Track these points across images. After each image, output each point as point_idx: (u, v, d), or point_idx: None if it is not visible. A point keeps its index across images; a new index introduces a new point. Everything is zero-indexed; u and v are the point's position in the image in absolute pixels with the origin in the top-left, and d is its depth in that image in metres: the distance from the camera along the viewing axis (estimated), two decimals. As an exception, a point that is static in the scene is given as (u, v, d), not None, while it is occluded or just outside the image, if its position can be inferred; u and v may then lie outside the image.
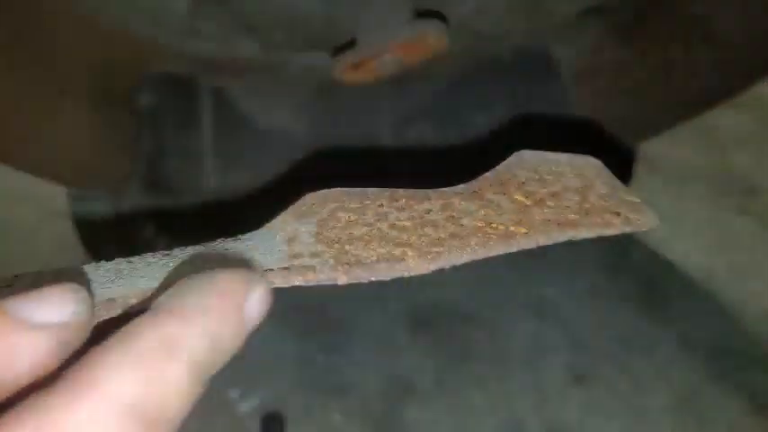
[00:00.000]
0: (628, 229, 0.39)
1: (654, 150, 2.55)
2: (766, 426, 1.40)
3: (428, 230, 0.36)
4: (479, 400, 1.45)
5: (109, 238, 1.73)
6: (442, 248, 0.35)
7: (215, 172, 1.59)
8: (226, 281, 0.26)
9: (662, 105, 1.47)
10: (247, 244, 0.41)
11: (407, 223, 0.37)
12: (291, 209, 0.42)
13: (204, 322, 0.24)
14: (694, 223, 2.16)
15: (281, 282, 0.34)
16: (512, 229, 0.37)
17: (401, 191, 0.40)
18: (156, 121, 1.52)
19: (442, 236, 0.36)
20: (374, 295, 1.82)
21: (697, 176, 2.52)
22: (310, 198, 0.41)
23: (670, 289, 1.81)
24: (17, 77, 1.15)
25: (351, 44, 1.18)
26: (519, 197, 0.39)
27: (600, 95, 1.61)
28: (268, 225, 0.43)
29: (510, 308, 1.75)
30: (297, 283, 0.34)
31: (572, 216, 0.38)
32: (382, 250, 0.35)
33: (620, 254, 1.94)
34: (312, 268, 0.35)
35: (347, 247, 0.36)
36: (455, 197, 0.40)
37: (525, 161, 0.43)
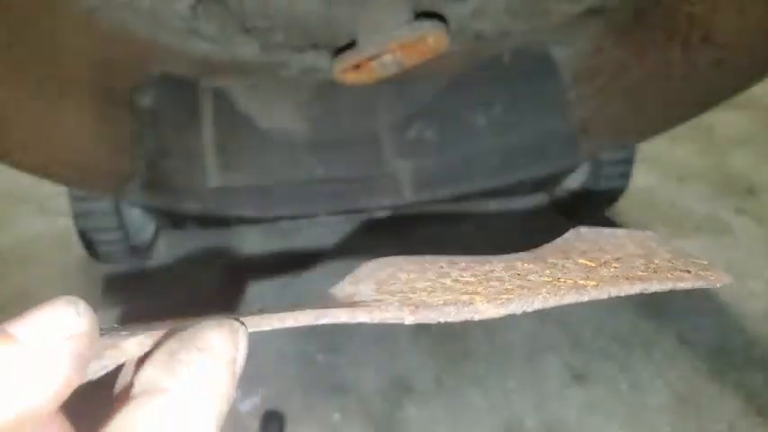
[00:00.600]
0: (701, 284, 0.37)
1: (653, 150, 2.56)
2: (765, 425, 1.40)
3: (494, 284, 0.34)
4: (479, 399, 1.45)
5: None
6: (511, 296, 0.32)
7: (215, 171, 1.59)
8: (215, 339, 0.24)
9: (661, 106, 1.47)
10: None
11: (471, 279, 0.35)
12: (348, 278, 0.39)
13: (205, 394, 0.23)
14: (693, 223, 2.17)
15: (346, 317, 0.31)
16: (581, 282, 0.35)
17: (460, 257, 0.39)
18: (157, 121, 1.52)
19: (509, 287, 0.34)
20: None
21: (696, 176, 2.53)
22: (365, 266, 0.39)
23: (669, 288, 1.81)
24: (18, 78, 1.15)
25: (351, 45, 1.18)
26: (583, 261, 0.38)
27: (599, 95, 1.61)
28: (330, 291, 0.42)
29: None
30: (361, 320, 0.31)
31: (641, 273, 0.36)
32: (449, 297, 0.33)
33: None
34: (378, 306, 0.32)
35: (411, 295, 0.33)
36: (517, 261, 0.38)
37: (583, 236, 0.44)
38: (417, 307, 0.31)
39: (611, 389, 1.48)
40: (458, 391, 1.47)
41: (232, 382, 0.24)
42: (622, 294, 0.35)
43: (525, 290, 0.33)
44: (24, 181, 2.28)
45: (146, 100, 1.50)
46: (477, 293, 0.33)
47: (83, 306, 0.23)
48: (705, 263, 0.39)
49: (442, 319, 0.31)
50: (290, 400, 1.45)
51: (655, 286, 0.35)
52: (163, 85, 1.52)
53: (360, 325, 1.71)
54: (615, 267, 0.37)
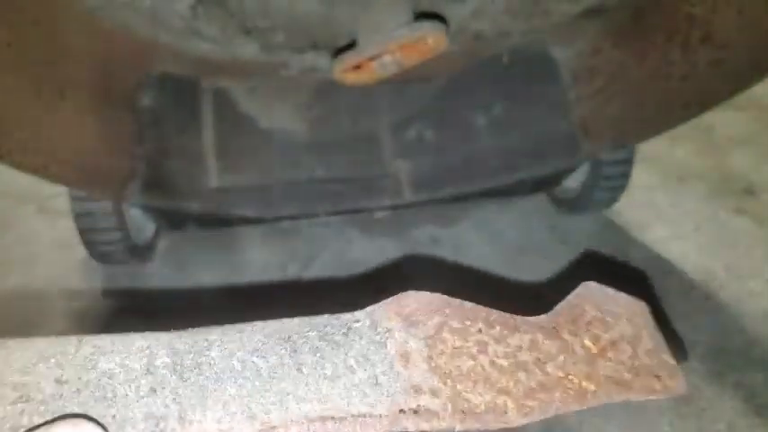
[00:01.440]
0: (664, 395, 0.50)
1: (653, 150, 2.56)
2: (764, 425, 1.40)
3: (521, 375, 0.46)
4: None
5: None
6: (534, 402, 0.44)
7: (216, 172, 1.59)
8: None
9: (661, 106, 1.47)
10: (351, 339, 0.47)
11: (504, 363, 0.46)
12: (392, 303, 0.48)
13: None
14: (693, 223, 2.18)
15: (398, 428, 0.41)
16: (584, 384, 0.46)
17: (494, 314, 0.50)
18: (158, 122, 1.52)
19: (533, 385, 0.45)
20: (374, 294, 1.82)
21: (695, 176, 2.53)
22: (413, 300, 0.48)
23: (668, 288, 1.82)
24: (19, 78, 1.15)
25: (351, 45, 1.19)
26: (588, 343, 0.50)
27: (599, 96, 1.61)
28: (367, 310, 0.50)
29: (508, 307, 1.73)
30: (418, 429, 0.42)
31: (626, 375, 0.48)
32: (488, 397, 0.43)
33: (620, 254, 1.95)
34: (436, 415, 0.42)
35: (458, 387, 0.44)
36: (539, 333, 0.49)
37: (591, 296, 0.55)
38: (465, 414, 0.41)
39: (610, 389, 1.48)
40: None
41: None
42: (611, 401, 0.47)
43: (544, 392, 0.45)
44: (24, 181, 2.28)
45: (146, 100, 1.50)
46: (507, 393, 0.44)
47: None
48: (673, 363, 0.51)
49: (482, 428, 0.41)
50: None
51: (633, 396, 0.48)
52: (163, 86, 1.52)
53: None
54: (609, 360, 0.49)
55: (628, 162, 1.88)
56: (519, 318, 0.50)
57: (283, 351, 0.44)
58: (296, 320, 0.48)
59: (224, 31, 1.36)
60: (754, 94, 1.57)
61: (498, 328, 0.48)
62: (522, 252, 1.93)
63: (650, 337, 0.52)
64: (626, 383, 0.48)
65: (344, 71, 1.18)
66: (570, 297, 0.54)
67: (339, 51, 1.26)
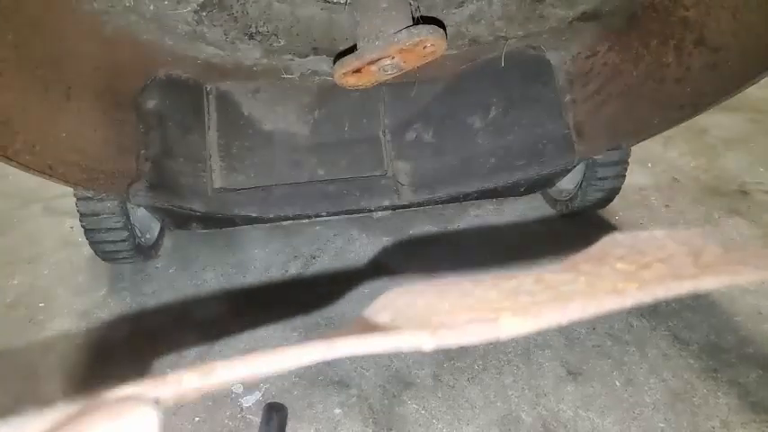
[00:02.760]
0: (762, 276, 0.31)
1: (647, 152, 2.58)
2: (758, 422, 1.41)
3: (523, 298, 0.30)
4: (476, 394, 1.47)
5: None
6: (542, 309, 0.28)
7: (219, 173, 1.61)
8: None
9: (655, 108, 1.48)
10: None
11: (497, 295, 0.31)
12: (364, 312, 0.34)
13: None
14: (686, 224, 2.19)
15: (361, 348, 0.28)
16: (620, 285, 0.30)
17: (485, 275, 0.34)
18: (162, 124, 1.54)
19: (541, 299, 0.29)
20: (374, 293, 1.84)
21: (689, 177, 2.55)
22: (382, 298, 0.34)
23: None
24: (25, 80, 1.16)
25: (351, 49, 1.21)
26: (621, 266, 0.33)
27: (594, 98, 1.63)
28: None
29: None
30: (377, 350, 0.28)
31: (690, 270, 0.31)
32: (472, 315, 0.28)
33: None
34: (396, 329, 0.29)
35: (433, 318, 0.30)
36: (546, 273, 0.34)
37: (619, 242, 0.38)
38: (437, 329, 0.27)
39: (605, 386, 1.50)
40: (456, 387, 1.49)
41: None
42: (670, 296, 0.30)
43: (558, 301, 0.29)
44: (30, 182, 2.31)
45: (151, 103, 1.52)
46: (502, 309, 0.28)
47: None
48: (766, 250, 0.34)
49: (464, 341, 0.27)
50: (292, 396, 1.47)
51: (708, 283, 0.30)
52: (167, 89, 1.54)
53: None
54: (659, 269, 0.32)
55: (623, 163, 1.90)
56: (518, 272, 0.35)
57: None
58: None
59: (227, 35, 1.38)
60: (747, 96, 1.59)
61: (489, 281, 0.34)
62: (518, 252, 1.95)
63: (718, 247, 0.36)
64: (690, 275, 0.31)
65: (345, 74, 1.20)
66: (590, 249, 0.38)
67: (340, 55, 1.28)
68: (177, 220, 1.72)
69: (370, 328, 0.31)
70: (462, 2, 1.36)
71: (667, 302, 1.76)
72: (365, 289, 1.82)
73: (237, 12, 1.31)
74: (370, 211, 1.71)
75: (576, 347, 1.61)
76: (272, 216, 1.63)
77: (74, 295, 1.83)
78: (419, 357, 1.58)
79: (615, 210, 2.16)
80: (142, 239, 1.86)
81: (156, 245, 1.96)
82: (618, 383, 1.50)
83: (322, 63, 1.51)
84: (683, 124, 1.45)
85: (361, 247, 2.01)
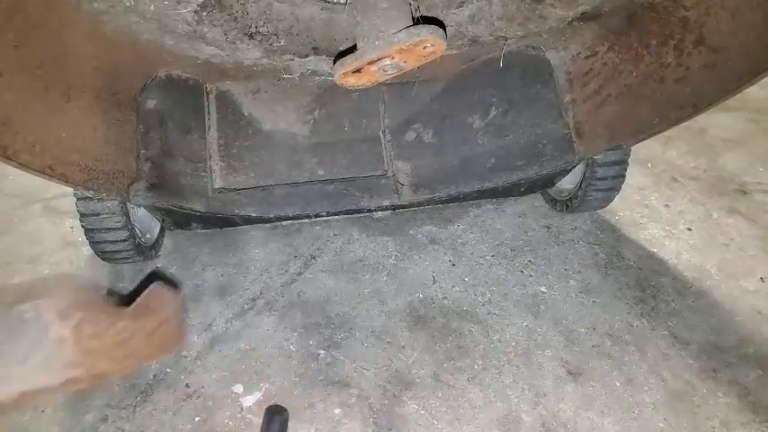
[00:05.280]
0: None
1: (647, 151, 2.59)
2: (758, 422, 1.42)
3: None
4: (476, 394, 1.47)
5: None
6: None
7: (219, 173, 1.61)
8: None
9: (655, 108, 1.48)
10: None
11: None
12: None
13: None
14: (686, 223, 2.20)
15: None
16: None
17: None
18: (162, 124, 1.54)
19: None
20: (374, 293, 1.86)
21: (689, 177, 2.55)
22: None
23: (662, 287, 1.84)
24: (25, 80, 1.16)
25: (351, 49, 1.21)
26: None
27: (594, 98, 1.63)
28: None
29: (505, 305, 1.78)
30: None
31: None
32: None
33: (613, 253, 1.97)
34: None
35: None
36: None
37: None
38: None
39: (605, 385, 1.50)
40: (456, 387, 1.49)
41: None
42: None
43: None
44: (30, 181, 2.30)
45: (151, 103, 1.52)
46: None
47: None
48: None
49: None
50: (292, 396, 1.47)
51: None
52: (167, 89, 1.55)
53: (360, 322, 1.72)
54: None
55: (622, 163, 1.90)
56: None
57: None
58: None
59: (227, 35, 1.38)
60: (747, 96, 1.60)
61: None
62: (518, 251, 1.95)
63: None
64: None
65: (345, 75, 1.20)
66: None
67: (340, 55, 1.28)
68: (177, 220, 1.72)
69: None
70: (462, 2, 1.36)
71: (667, 302, 1.77)
72: (365, 289, 1.82)
73: (237, 12, 1.31)
74: (370, 210, 1.71)
75: (576, 347, 1.61)
76: (272, 216, 1.63)
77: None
78: (419, 357, 1.58)
79: (615, 210, 2.16)
80: (142, 239, 1.86)
81: (156, 245, 1.96)
82: (618, 383, 1.50)
83: (322, 63, 1.51)
84: (683, 124, 1.45)
85: (361, 247, 2.01)
